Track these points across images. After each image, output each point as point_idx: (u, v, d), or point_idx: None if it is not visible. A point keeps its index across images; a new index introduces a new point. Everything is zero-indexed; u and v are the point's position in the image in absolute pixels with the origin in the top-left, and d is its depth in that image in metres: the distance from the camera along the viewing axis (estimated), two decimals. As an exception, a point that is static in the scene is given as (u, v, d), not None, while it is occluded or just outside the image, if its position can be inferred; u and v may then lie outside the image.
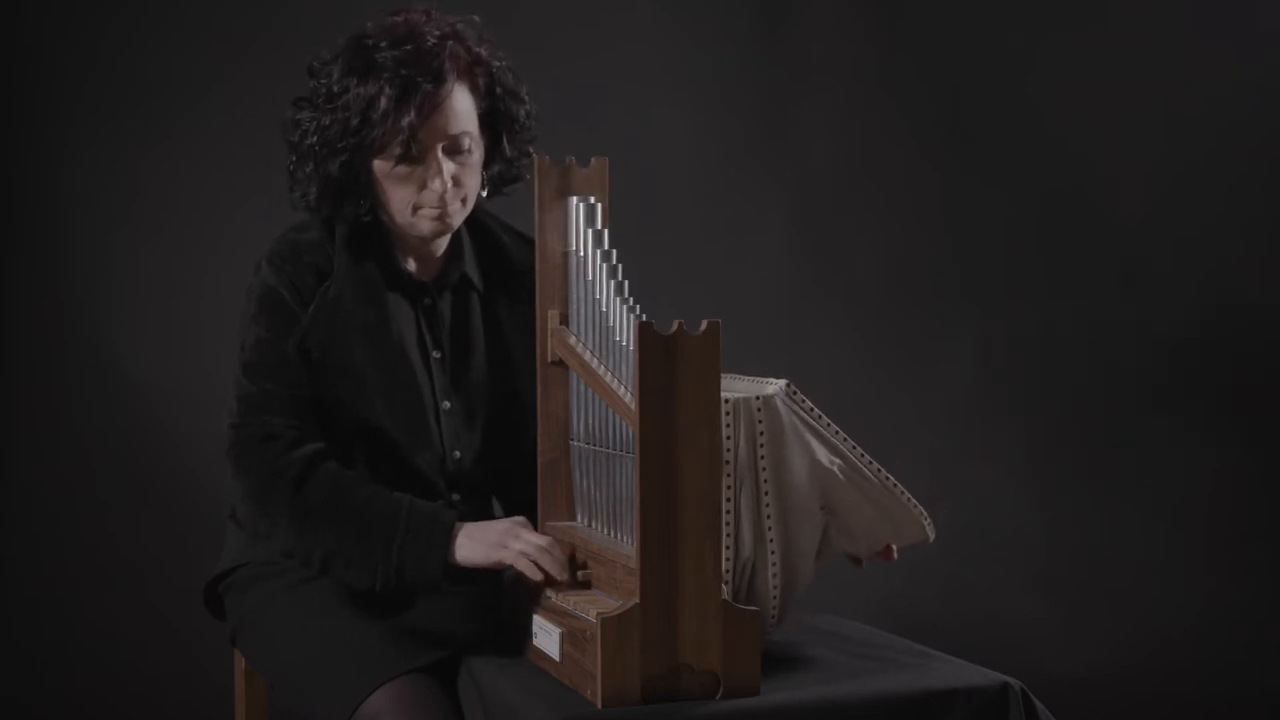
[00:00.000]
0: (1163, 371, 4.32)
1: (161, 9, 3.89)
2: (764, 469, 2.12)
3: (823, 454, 2.16)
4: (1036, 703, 2.12)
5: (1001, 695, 2.10)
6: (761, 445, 2.12)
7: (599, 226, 2.23)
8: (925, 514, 2.23)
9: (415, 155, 2.28)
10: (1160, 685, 3.92)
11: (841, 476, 2.16)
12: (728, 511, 2.10)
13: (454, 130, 2.29)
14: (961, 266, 4.31)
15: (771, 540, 2.13)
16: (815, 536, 2.17)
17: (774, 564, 2.14)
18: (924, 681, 2.11)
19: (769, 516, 2.13)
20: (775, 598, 2.15)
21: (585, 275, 2.23)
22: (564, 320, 2.29)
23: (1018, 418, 4.27)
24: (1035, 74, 4.31)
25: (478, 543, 2.21)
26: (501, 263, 2.44)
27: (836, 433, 2.18)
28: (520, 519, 2.26)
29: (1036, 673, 3.27)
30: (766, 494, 2.12)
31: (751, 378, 2.22)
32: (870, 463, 2.19)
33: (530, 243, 2.37)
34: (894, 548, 2.28)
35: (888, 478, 2.20)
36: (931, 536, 2.25)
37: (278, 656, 2.34)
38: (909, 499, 2.22)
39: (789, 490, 2.13)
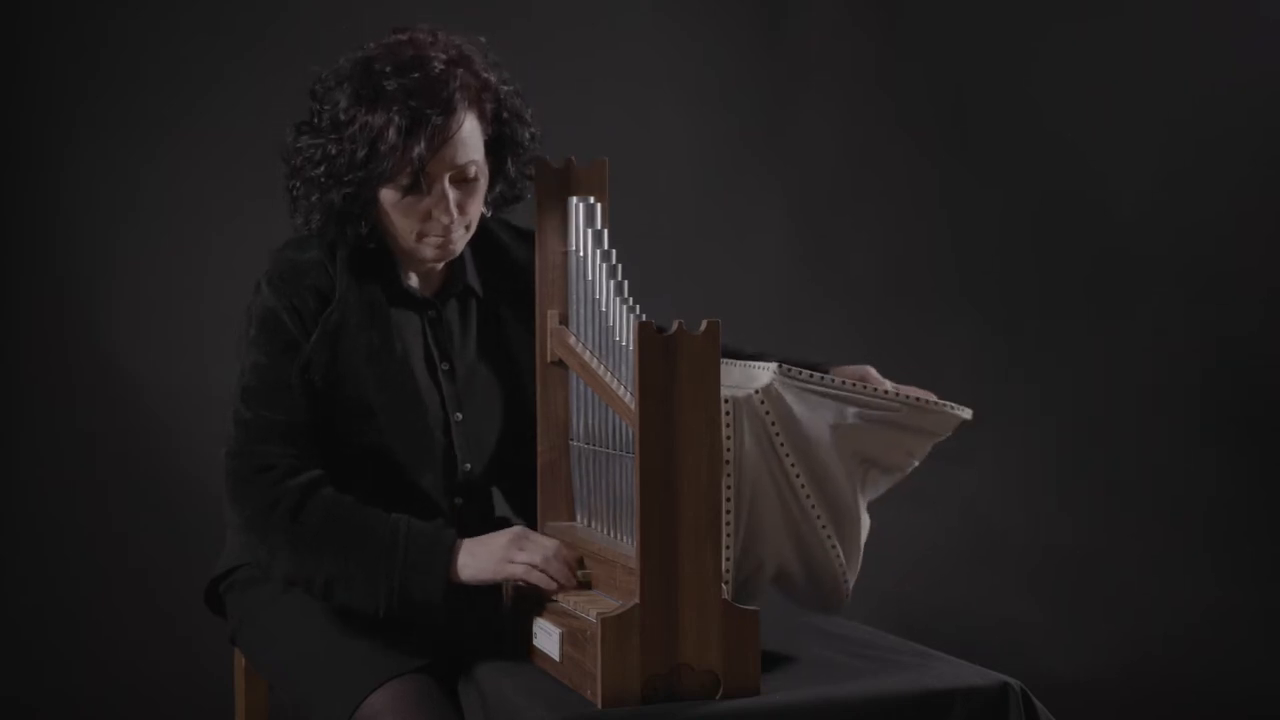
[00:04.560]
0: (1162, 371, 4.32)
1: (161, 9, 3.89)
2: (787, 454, 2.12)
3: (837, 414, 2.16)
4: (1036, 703, 2.12)
5: (1001, 695, 2.10)
6: (778, 435, 2.12)
7: (599, 226, 2.23)
8: (953, 404, 2.22)
9: (422, 186, 2.25)
10: (1160, 685, 3.92)
11: (864, 423, 2.17)
12: (728, 512, 2.10)
13: (461, 160, 2.26)
14: (961, 266, 4.31)
15: (819, 517, 2.14)
16: (858, 491, 2.19)
17: (828, 535, 2.16)
18: (924, 681, 2.11)
19: (809, 497, 2.13)
20: (840, 562, 2.17)
21: (585, 275, 2.23)
22: (564, 320, 2.29)
23: (1018, 418, 4.27)
24: (1035, 72, 4.31)
25: (482, 559, 2.20)
26: (503, 264, 2.43)
27: (841, 384, 2.18)
28: (518, 528, 2.24)
29: (1036, 673, 3.27)
30: (799, 476, 2.13)
31: (743, 363, 2.23)
32: (881, 391, 2.19)
33: (528, 237, 2.37)
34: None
35: (905, 395, 2.20)
36: (969, 415, 2.23)
37: (278, 656, 2.34)
38: (932, 401, 2.21)
39: (819, 465, 2.14)
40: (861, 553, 2.25)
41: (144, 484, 3.87)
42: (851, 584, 2.25)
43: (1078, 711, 3.47)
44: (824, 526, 2.18)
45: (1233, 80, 4.33)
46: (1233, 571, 4.20)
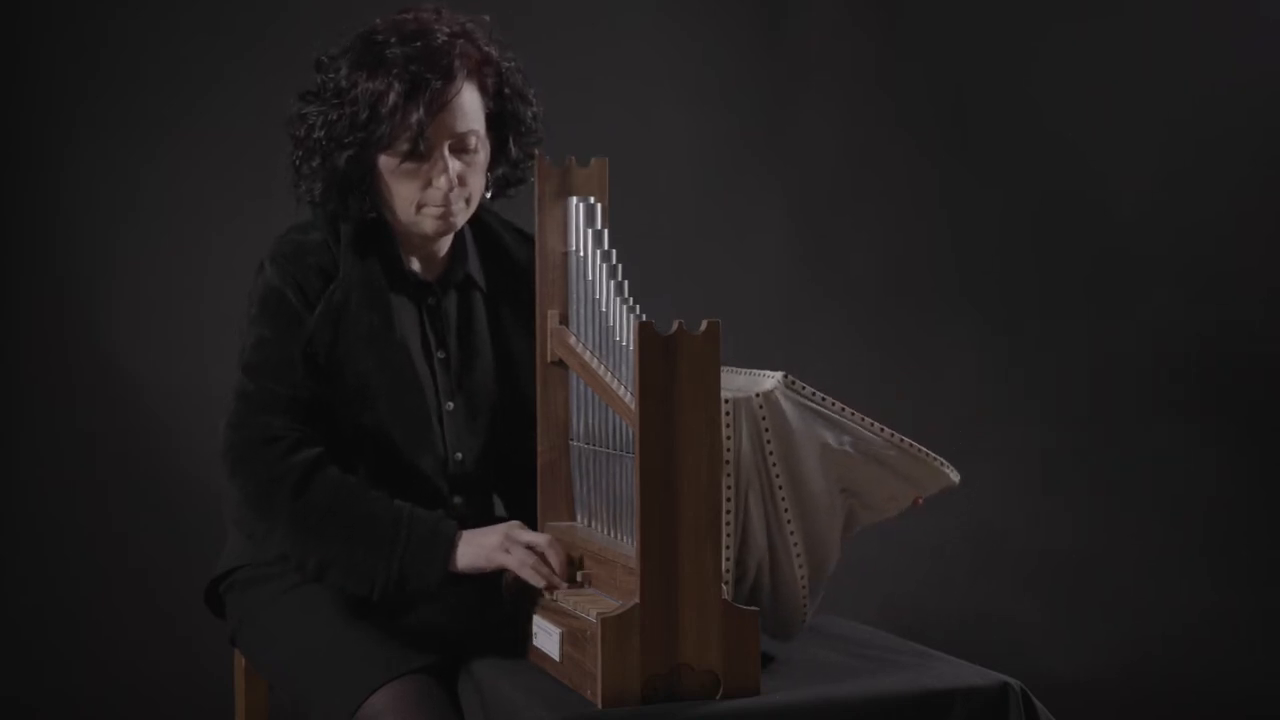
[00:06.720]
0: (1162, 370, 4.32)
1: (161, 9, 3.89)
2: (774, 464, 2.12)
3: (832, 437, 2.16)
4: (1036, 703, 2.12)
5: (1001, 695, 2.10)
6: (769, 442, 2.12)
7: (599, 226, 2.23)
8: (945, 462, 2.23)
9: (422, 152, 2.27)
10: (1160, 685, 3.92)
11: (855, 454, 2.17)
12: (728, 511, 2.10)
13: (461, 128, 2.28)
14: (961, 266, 4.31)
15: (793, 534, 2.14)
16: (836, 520, 2.18)
17: (798, 554, 2.15)
18: (924, 681, 2.11)
19: (786, 510, 2.13)
20: (804, 588, 2.16)
21: (585, 275, 2.23)
22: (564, 320, 2.29)
23: (1017, 418, 4.27)
24: (1035, 72, 4.31)
25: (478, 548, 2.21)
26: (503, 261, 2.44)
27: (842, 410, 2.18)
28: (515, 522, 2.25)
29: (1036, 673, 3.27)
30: (781, 488, 2.13)
31: (748, 370, 2.23)
32: (879, 429, 2.19)
33: (531, 241, 2.37)
34: (921, 499, 2.29)
35: (900, 439, 2.20)
36: (956, 480, 2.24)
37: (278, 657, 2.34)
38: (926, 454, 2.22)
39: (803, 482, 2.14)
40: (825, 584, 2.23)
41: (144, 484, 3.87)
42: (810, 614, 2.23)
43: (1078, 711, 3.47)
44: (796, 544, 2.17)
45: (1233, 80, 4.32)
46: (1232, 572, 4.20)
